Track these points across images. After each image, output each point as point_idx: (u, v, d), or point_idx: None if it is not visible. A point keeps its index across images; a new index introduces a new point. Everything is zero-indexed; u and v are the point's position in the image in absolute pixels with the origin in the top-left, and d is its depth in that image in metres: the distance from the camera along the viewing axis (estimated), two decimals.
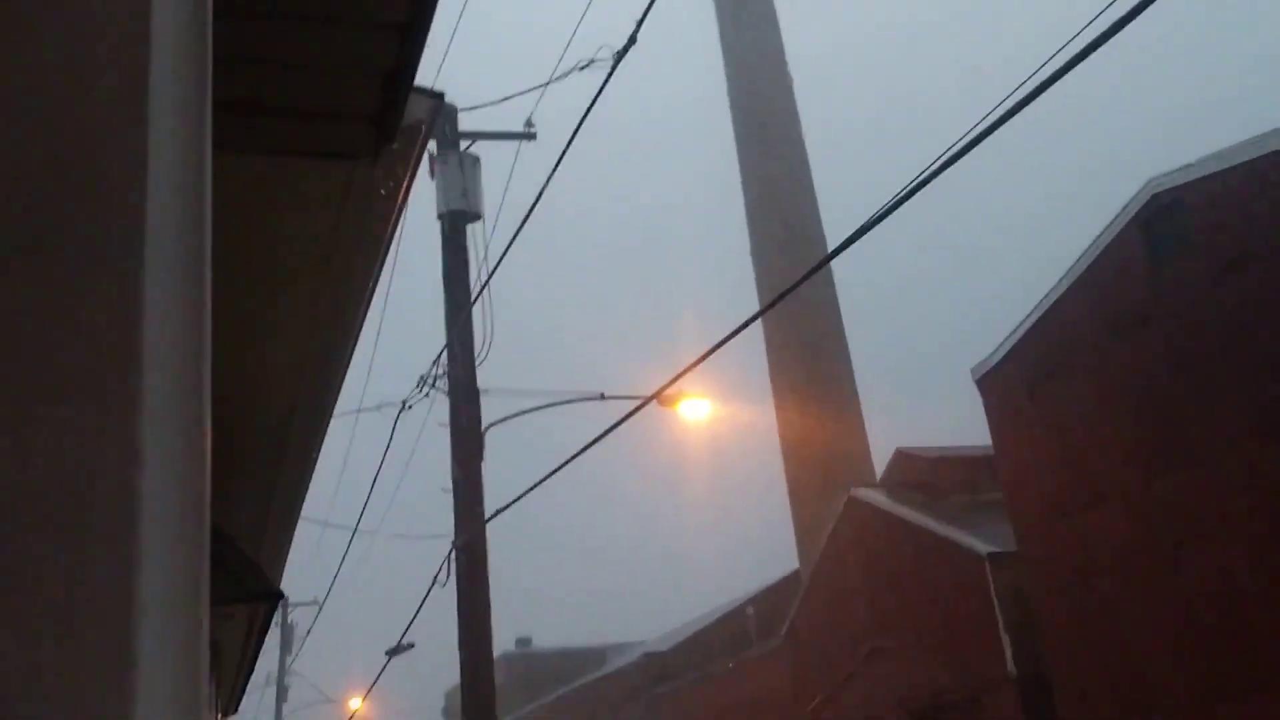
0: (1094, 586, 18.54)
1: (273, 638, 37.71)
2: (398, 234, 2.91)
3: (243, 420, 3.68)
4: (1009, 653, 20.27)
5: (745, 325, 8.13)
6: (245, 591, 3.75)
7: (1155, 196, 17.32)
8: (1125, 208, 17.89)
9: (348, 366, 3.51)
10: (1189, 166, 16.96)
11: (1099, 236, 18.43)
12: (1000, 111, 6.26)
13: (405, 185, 2.67)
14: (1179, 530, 16.95)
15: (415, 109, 2.37)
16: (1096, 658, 18.29)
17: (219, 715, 5.60)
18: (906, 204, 7.12)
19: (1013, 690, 20.19)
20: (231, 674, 4.90)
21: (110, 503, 0.91)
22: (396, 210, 2.74)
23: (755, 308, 36.52)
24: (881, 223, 7.24)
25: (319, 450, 4.12)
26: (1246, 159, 15.95)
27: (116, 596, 0.90)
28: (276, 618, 37.77)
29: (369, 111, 2.27)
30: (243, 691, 6.01)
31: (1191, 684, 16.64)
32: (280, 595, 3.94)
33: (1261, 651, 15.55)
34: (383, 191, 2.53)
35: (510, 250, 12.19)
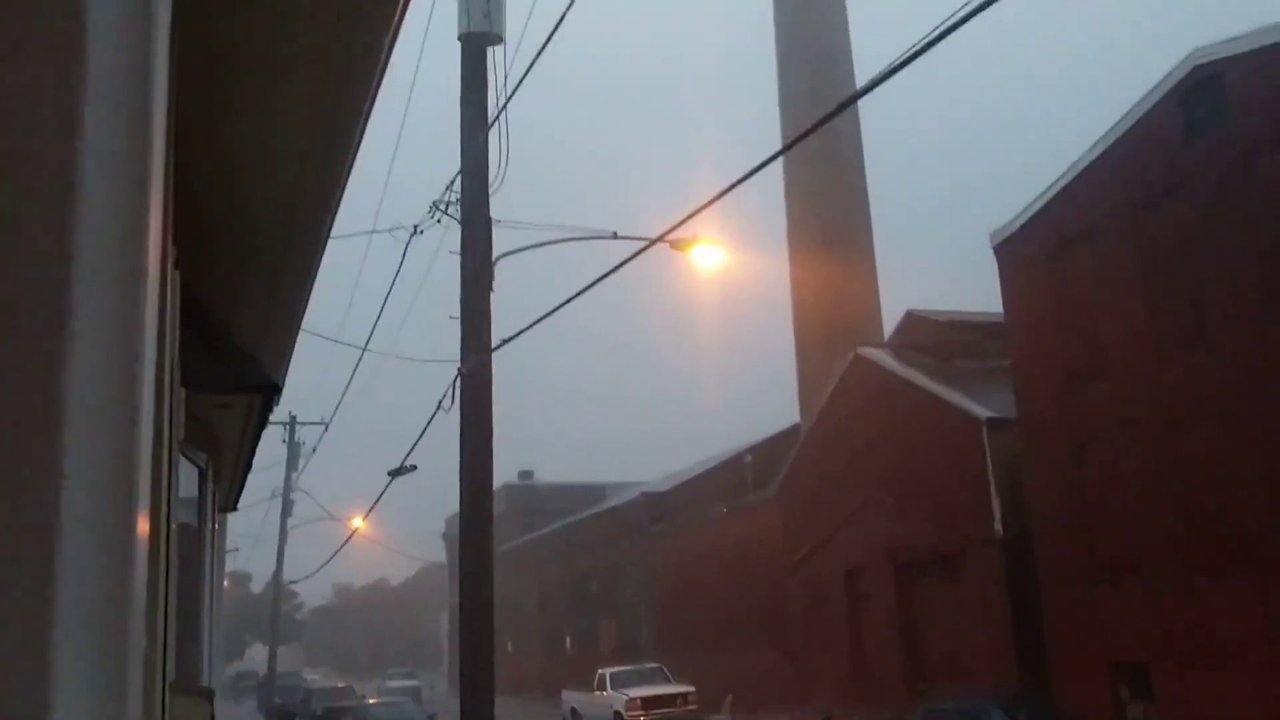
0: (1088, 457, 18.78)
1: (280, 454, 38.54)
2: (402, 28, 2.82)
3: (247, 211, 3.66)
4: (998, 515, 20.70)
5: (765, 164, 7.99)
6: (242, 381, 3.80)
7: (1197, 68, 16.78)
8: (1165, 78, 17.36)
9: (354, 154, 3.47)
10: (1234, 39, 16.38)
11: (1135, 105, 17.94)
12: None
13: None
14: (1179, 409, 17.04)
15: None
16: (1082, 525, 18.67)
17: (215, 511, 5.75)
18: (945, 59, 6.90)
19: (997, 550, 20.71)
20: (230, 466, 5.01)
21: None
22: (397, 15, 2.66)
23: (784, 161, 35.96)
24: (915, 72, 7.03)
25: (324, 245, 4.11)
26: None
27: None
28: (283, 434, 38.54)
29: None
30: (240, 488, 6.15)
31: (1173, 556, 17.01)
32: (277, 387, 3.99)
33: (1245, 531, 15.85)
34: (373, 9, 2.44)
35: (531, 80, 11.92)
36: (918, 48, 6.96)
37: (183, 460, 4.42)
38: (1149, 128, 17.66)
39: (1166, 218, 17.34)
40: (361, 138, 3.40)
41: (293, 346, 5.34)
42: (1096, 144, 18.67)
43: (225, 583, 53.06)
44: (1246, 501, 15.85)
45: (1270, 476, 15.46)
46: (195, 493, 4.81)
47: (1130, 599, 17.78)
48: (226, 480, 5.50)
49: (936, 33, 6.81)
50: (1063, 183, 19.44)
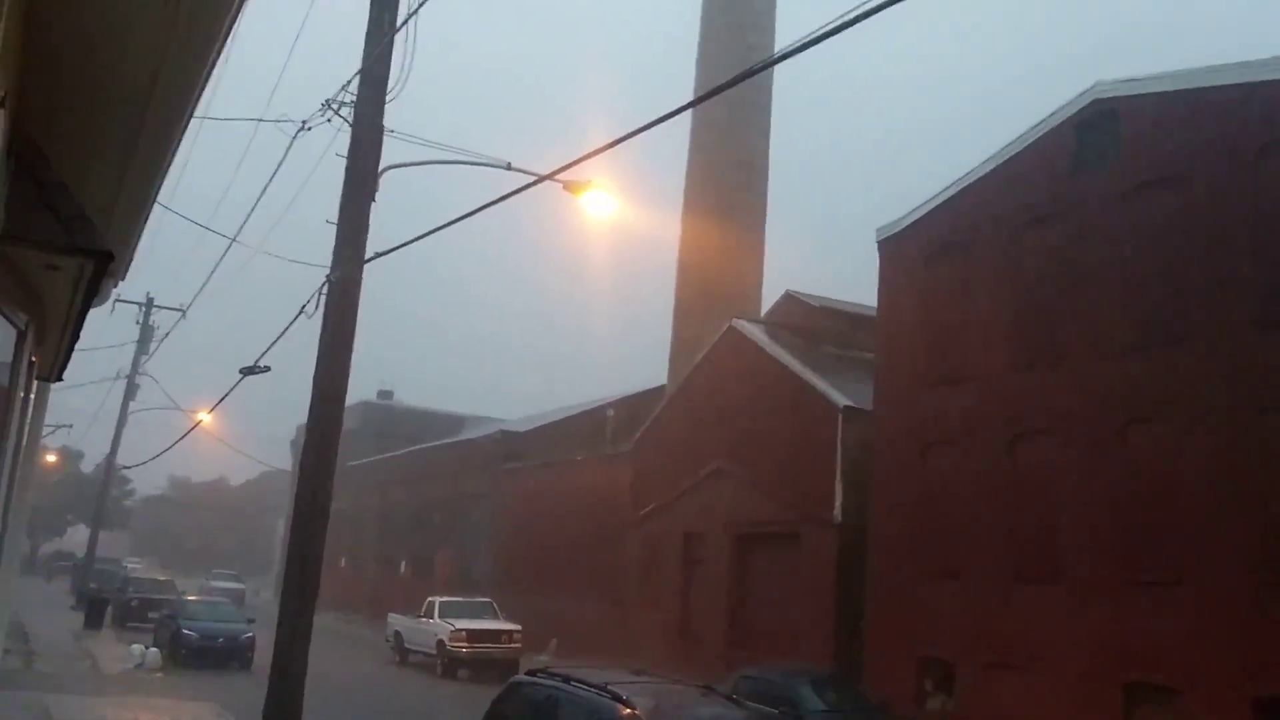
0: (933, 459, 19.43)
1: (133, 334, 37.03)
2: None
3: (109, 58, 3.42)
4: (839, 501, 21.28)
5: (662, 120, 7.92)
6: (72, 243, 3.55)
7: (1095, 101, 17.32)
8: (1064, 106, 17.88)
9: (234, 16, 3.26)
10: (1133, 80, 16.95)
11: (1032, 128, 18.44)
12: None
13: None
14: (1022, 423, 17.76)
15: None
16: (917, 523, 19.34)
17: (33, 377, 5.44)
18: (867, 54, 6.92)
19: (833, 534, 21.31)
20: (55, 334, 4.72)
21: None
22: None
23: (690, 119, 35.85)
24: (827, 45, 7.02)
25: (189, 113, 3.87)
26: (1190, 86, 16.00)
27: None
28: (138, 315, 37.04)
29: None
30: (66, 359, 5.83)
31: (996, 563, 17.79)
32: (110, 255, 3.76)
33: (1065, 546, 16.67)
34: None
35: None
36: (831, 27, 6.95)
37: (0, 319, 4.14)
38: (1041, 152, 18.19)
39: (1042, 240, 17.95)
40: (237, 14, 3.19)
41: (144, 219, 5.07)
42: (989, 159, 19.16)
43: (53, 458, 51.03)
44: (1070, 519, 16.66)
45: (1093, 498, 16.26)
46: (10, 355, 4.51)
47: (948, 600, 18.55)
48: (52, 348, 5.19)
49: (855, 14, 6.81)
50: (951, 191, 19.91)
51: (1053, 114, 18.08)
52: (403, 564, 45.00)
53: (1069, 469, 16.80)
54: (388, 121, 12.31)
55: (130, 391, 37.69)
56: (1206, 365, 15.10)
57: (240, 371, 16.67)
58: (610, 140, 8.76)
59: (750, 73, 8.15)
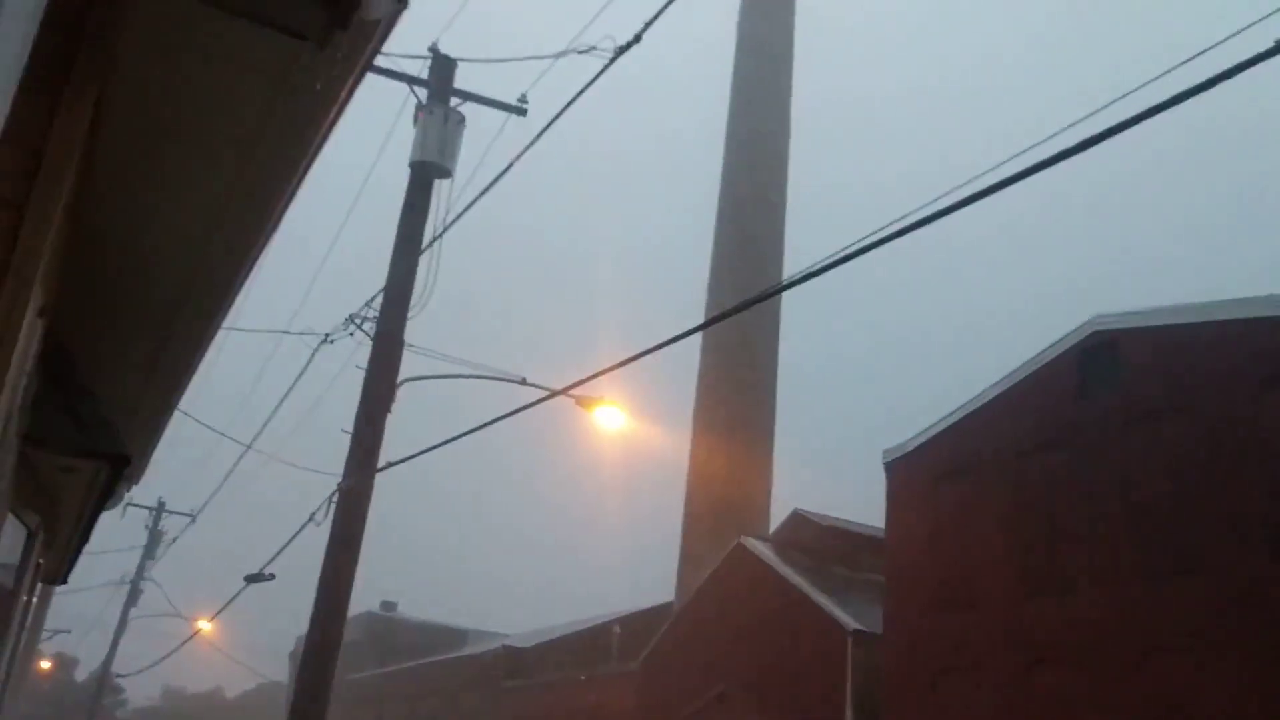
0: (946, 685, 18.86)
1: (138, 539, 36.85)
2: (332, 134, 2.92)
3: (141, 279, 3.64)
4: None
5: (673, 340, 8.19)
6: (91, 446, 3.68)
7: (1095, 333, 17.75)
8: (1066, 336, 18.32)
9: (261, 246, 3.49)
10: (1132, 313, 17.43)
11: (1035, 356, 18.84)
12: (961, 195, 6.38)
13: (350, 83, 2.68)
14: (1037, 650, 17.33)
15: (375, 7, 2.39)
16: None
17: (37, 579, 5.46)
18: (875, 286, 7.24)
19: None
20: (64, 535, 4.77)
21: None
22: (336, 106, 2.75)
23: (701, 338, 36.69)
24: (847, 286, 7.35)
25: (213, 331, 4.08)
26: (1188, 321, 16.44)
27: None
28: (146, 520, 36.96)
29: None
30: (73, 562, 5.87)
31: None
32: (127, 459, 3.88)
33: None
34: (319, 87, 2.53)
35: (473, 222, 12.16)
36: (834, 259, 7.29)
37: (12, 518, 4.23)
38: (1044, 379, 18.51)
39: (1046, 467, 18.02)
40: (272, 233, 3.43)
41: (163, 426, 5.23)
42: (994, 385, 19.49)
43: (47, 663, 49.77)
44: None
45: None
46: (19, 556, 4.57)
47: None
48: (59, 550, 5.25)
49: (856, 247, 7.15)
50: (957, 416, 20.15)
51: (1054, 344, 18.51)
52: None
53: (1086, 699, 16.27)
54: (408, 335, 12.73)
55: (133, 597, 37.21)
56: (1221, 595, 14.87)
57: (245, 579, 16.59)
58: (621, 359, 9.04)
59: (754, 301, 8.48)
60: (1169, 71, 5.53)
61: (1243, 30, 5.57)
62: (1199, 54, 5.62)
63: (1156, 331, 16.92)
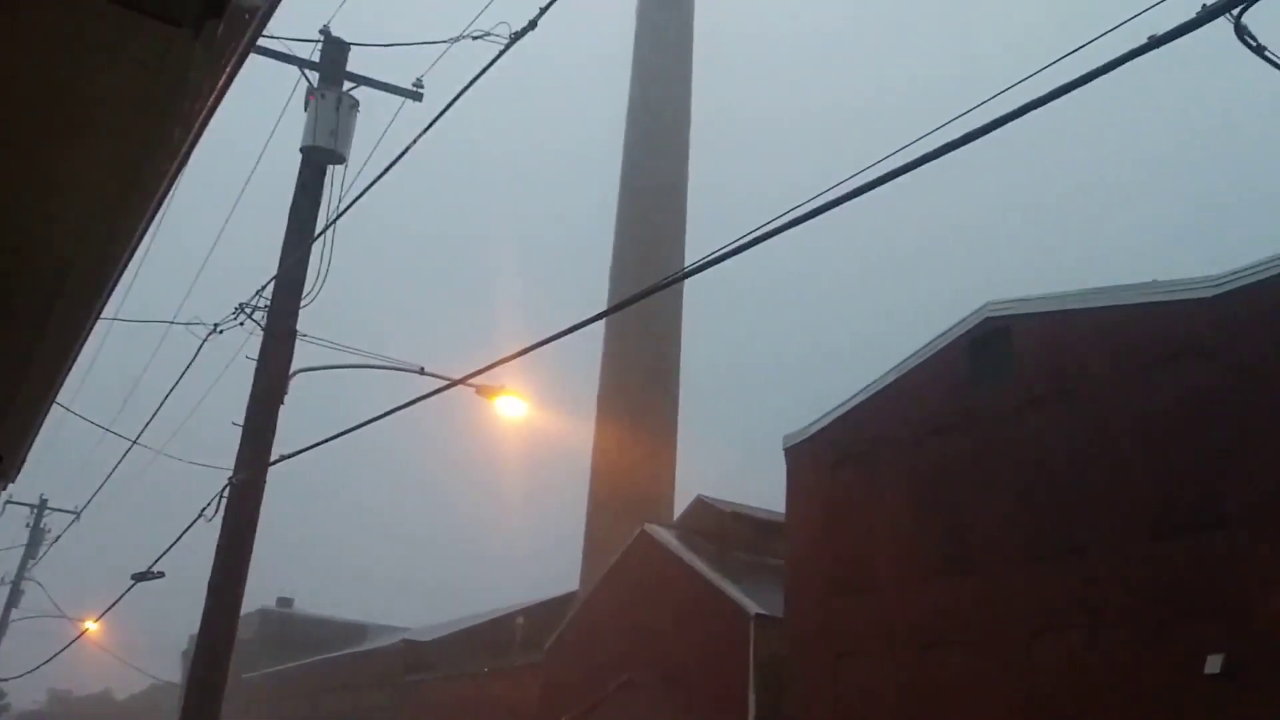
0: (846, 668, 19.21)
1: (19, 538, 35.44)
2: (210, 127, 2.80)
3: (7, 263, 3.46)
4: (752, 711, 20.77)
5: (574, 328, 8.13)
6: None
7: (988, 319, 18.21)
8: (960, 323, 18.74)
9: (136, 241, 3.35)
10: (1024, 299, 17.92)
11: (929, 343, 19.24)
12: (860, 181, 6.44)
13: (228, 71, 2.58)
14: (934, 632, 17.75)
15: None
16: None
17: None
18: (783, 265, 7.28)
19: None
20: None
21: None
22: (214, 93, 2.64)
23: (604, 328, 36.68)
24: (748, 260, 7.37)
25: (92, 321, 3.90)
26: (1077, 307, 16.97)
27: None
28: (27, 518, 35.50)
29: None
30: None
31: None
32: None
33: None
34: (190, 75, 2.42)
35: (369, 208, 11.91)
36: (732, 247, 7.30)
37: None
38: (938, 366, 18.93)
39: (943, 450, 18.44)
40: (149, 224, 3.29)
41: (38, 424, 5.00)
42: (890, 371, 19.86)
43: None
44: None
45: (1003, 708, 16.15)
46: None
47: None
48: None
49: (751, 236, 7.17)
50: (854, 401, 20.50)
51: (948, 330, 18.93)
52: None
53: (979, 679, 16.73)
54: (301, 325, 12.41)
55: (14, 598, 35.78)
56: (1107, 574, 15.40)
57: (132, 577, 16.03)
58: (522, 347, 8.95)
59: (658, 287, 8.47)
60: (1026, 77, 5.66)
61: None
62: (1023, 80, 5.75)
63: (1046, 318, 17.43)
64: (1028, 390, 17.25)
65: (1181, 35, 4.54)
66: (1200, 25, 4.63)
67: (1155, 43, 4.66)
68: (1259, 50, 4.87)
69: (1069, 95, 4.93)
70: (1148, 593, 14.84)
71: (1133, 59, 4.81)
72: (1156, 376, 15.51)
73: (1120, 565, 15.27)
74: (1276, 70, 5.22)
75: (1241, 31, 4.75)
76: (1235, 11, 4.64)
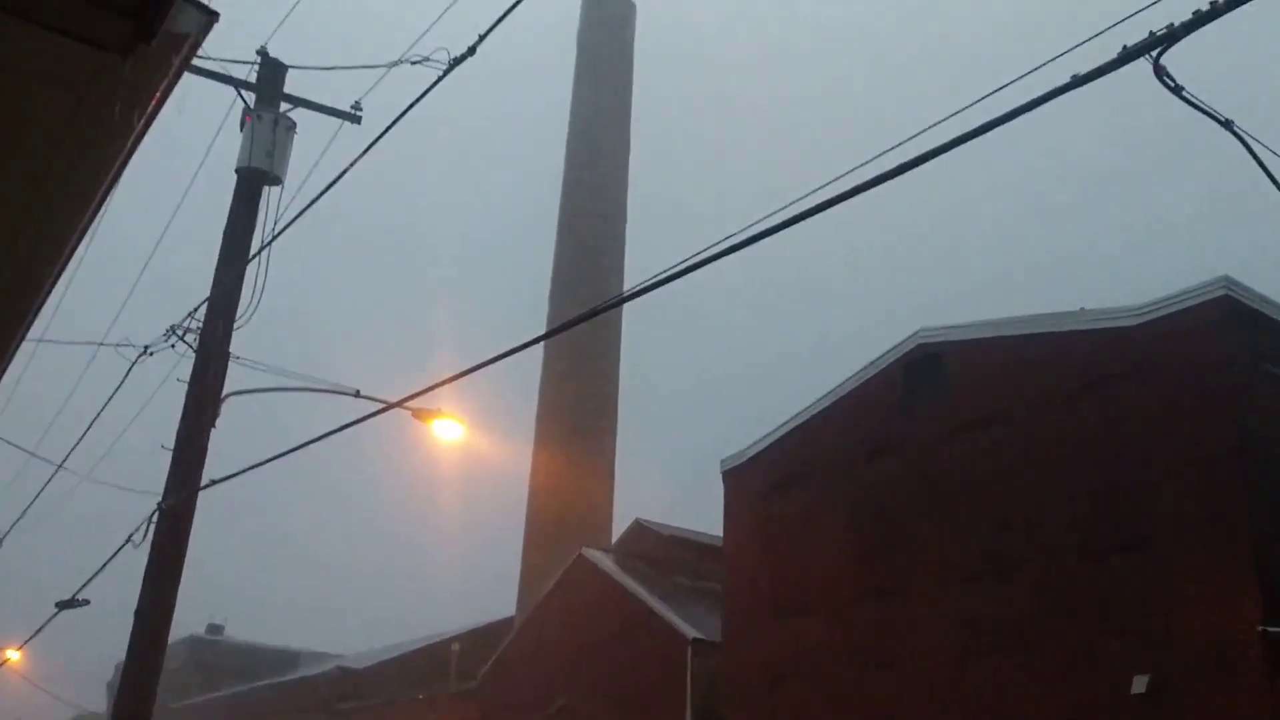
0: (783, 690, 19.27)
1: None
2: (141, 149, 2.78)
3: None
4: None
5: (511, 352, 8.12)
6: None
7: (920, 345, 18.50)
8: (893, 348, 19.02)
9: (62, 264, 3.30)
10: (955, 326, 18.24)
11: (864, 368, 19.49)
12: (804, 206, 6.52)
13: (157, 96, 2.56)
14: (869, 655, 17.89)
15: (186, 20, 2.28)
16: None
17: None
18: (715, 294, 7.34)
19: None
20: None
21: None
22: (144, 117, 2.62)
23: (542, 348, 36.60)
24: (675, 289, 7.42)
25: (15, 346, 3.83)
26: (1008, 334, 17.32)
27: None
28: None
29: (128, 5, 2.16)
30: None
31: None
32: None
33: None
34: (117, 106, 2.40)
35: (305, 230, 11.80)
36: (672, 272, 7.36)
37: None
38: (873, 390, 19.18)
39: (878, 473, 18.66)
40: (76, 246, 3.25)
41: None
42: (826, 395, 20.07)
43: None
44: None
45: None
46: None
47: None
48: None
49: (695, 259, 7.23)
50: (790, 425, 20.67)
51: (882, 355, 19.19)
52: None
53: (912, 702, 16.89)
54: (234, 347, 12.24)
55: None
56: (1036, 595, 15.66)
57: (56, 605, 15.65)
58: (461, 370, 8.91)
59: (595, 312, 8.50)
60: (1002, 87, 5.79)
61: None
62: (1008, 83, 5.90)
63: (977, 344, 17.75)
64: (959, 414, 17.53)
65: (1102, 75, 4.69)
66: (1121, 66, 4.80)
67: (1077, 82, 4.81)
68: (1176, 90, 5.04)
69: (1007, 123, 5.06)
70: (1076, 614, 15.12)
71: (1056, 96, 4.96)
72: (1083, 401, 15.87)
73: (1049, 586, 15.55)
74: (1195, 109, 5.41)
75: (1160, 72, 4.92)
76: (1154, 53, 4.80)
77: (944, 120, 5.75)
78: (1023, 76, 5.57)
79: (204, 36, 2.40)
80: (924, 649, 16.95)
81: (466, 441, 14.89)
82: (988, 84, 5.63)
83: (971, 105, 5.65)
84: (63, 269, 3.57)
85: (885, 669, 17.54)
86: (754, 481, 21.20)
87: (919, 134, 5.92)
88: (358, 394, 13.15)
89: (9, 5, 2.16)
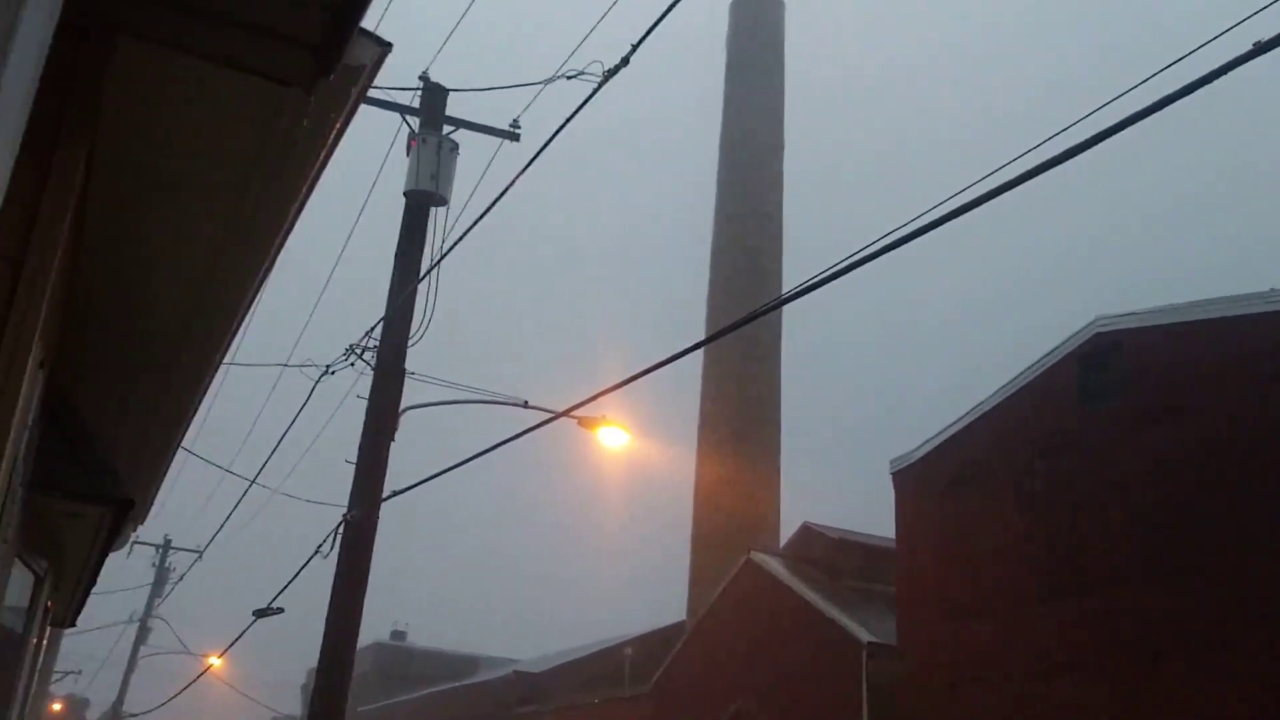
0: (962, 695, 18.76)
1: (145, 576, 36.80)
2: (322, 178, 2.94)
3: (139, 326, 3.66)
4: None
5: (671, 360, 8.20)
6: (95, 491, 3.69)
7: (1098, 335, 17.73)
8: (1069, 339, 18.29)
9: (257, 288, 3.52)
10: (1135, 313, 17.41)
11: (1038, 361, 18.81)
12: (968, 196, 6.39)
13: (337, 126, 2.71)
14: (1053, 657, 17.24)
15: (361, 52, 2.41)
16: None
17: (46, 622, 5.47)
18: (880, 275, 7.26)
19: None
20: (72, 579, 4.79)
21: None
22: (325, 148, 2.77)
23: (703, 353, 36.69)
24: (843, 287, 7.37)
25: (212, 373, 4.10)
26: (1190, 319, 16.42)
27: None
28: (153, 558, 36.88)
29: (311, 40, 2.29)
30: (81, 605, 5.88)
31: None
32: (131, 502, 3.89)
33: None
34: (305, 122, 2.55)
35: (470, 245, 12.19)
36: (836, 269, 7.30)
37: (19, 564, 4.24)
38: (1048, 384, 18.48)
39: (1054, 472, 17.97)
40: (267, 274, 3.45)
41: (165, 468, 5.24)
42: (999, 390, 19.45)
43: (58, 706, 49.56)
44: None
45: None
46: (27, 601, 4.59)
47: None
48: (67, 593, 5.26)
49: (857, 257, 7.16)
50: (962, 423, 20.11)
51: (1056, 348, 18.48)
52: None
53: (1101, 705, 16.17)
54: (409, 364, 12.73)
55: (142, 635, 37.12)
56: (1226, 596, 14.80)
57: (253, 614, 16.52)
58: (623, 379, 9.05)
59: (753, 316, 8.49)
60: (1161, 71, 5.55)
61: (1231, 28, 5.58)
62: (1184, 56, 5.63)
63: (1159, 331, 16.90)
64: (1141, 405, 16.73)
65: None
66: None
67: (1260, 49, 4.55)
68: None
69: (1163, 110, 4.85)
70: (1268, 614, 14.21)
71: (1238, 66, 4.70)
72: (1277, 388, 14.92)
73: (1240, 587, 14.66)
74: None
75: None
76: None
77: (1103, 106, 5.54)
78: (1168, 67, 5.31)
79: (379, 68, 2.52)
80: (1110, 652, 16.22)
81: (631, 447, 15.09)
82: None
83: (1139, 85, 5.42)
84: (254, 297, 3.79)
85: (1069, 672, 16.86)
86: (925, 482, 20.73)
87: (1086, 117, 5.72)
88: (526, 404, 13.50)
89: (200, 50, 2.32)
